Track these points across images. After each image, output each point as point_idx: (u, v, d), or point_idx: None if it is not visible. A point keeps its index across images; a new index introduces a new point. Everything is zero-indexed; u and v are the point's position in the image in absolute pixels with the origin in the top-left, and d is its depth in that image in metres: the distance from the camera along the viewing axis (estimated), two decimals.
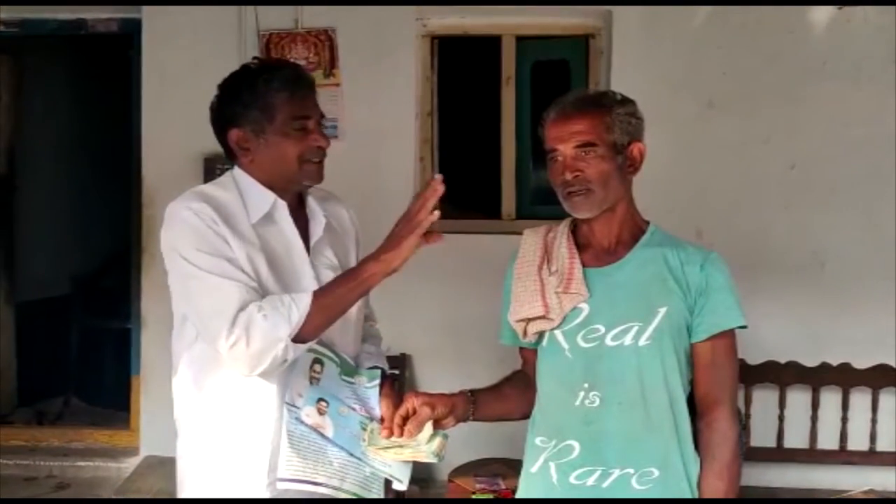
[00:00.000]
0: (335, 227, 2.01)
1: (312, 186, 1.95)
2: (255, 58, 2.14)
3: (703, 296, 1.83)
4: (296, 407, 1.81)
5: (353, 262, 2.03)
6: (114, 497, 3.91)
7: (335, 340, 1.90)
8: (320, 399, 1.83)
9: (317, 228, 1.94)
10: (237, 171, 1.92)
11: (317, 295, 1.75)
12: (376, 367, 1.99)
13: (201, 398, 1.87)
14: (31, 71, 5.28)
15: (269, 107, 1.85)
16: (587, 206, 1.84)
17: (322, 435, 1.82)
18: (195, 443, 1.91)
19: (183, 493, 1.94)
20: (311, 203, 1.97)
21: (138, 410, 4.32)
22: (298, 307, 1.72)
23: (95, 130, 6.03)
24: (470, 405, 1.90)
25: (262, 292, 1.78)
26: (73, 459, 4.37)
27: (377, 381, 1.94)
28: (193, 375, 1.88)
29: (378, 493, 1.89)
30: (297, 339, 1.73)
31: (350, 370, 1.93)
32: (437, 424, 1.84)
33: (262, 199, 1.88)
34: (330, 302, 1.76)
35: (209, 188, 1.92)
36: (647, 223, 1.94)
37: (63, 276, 5.74)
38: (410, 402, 1.83)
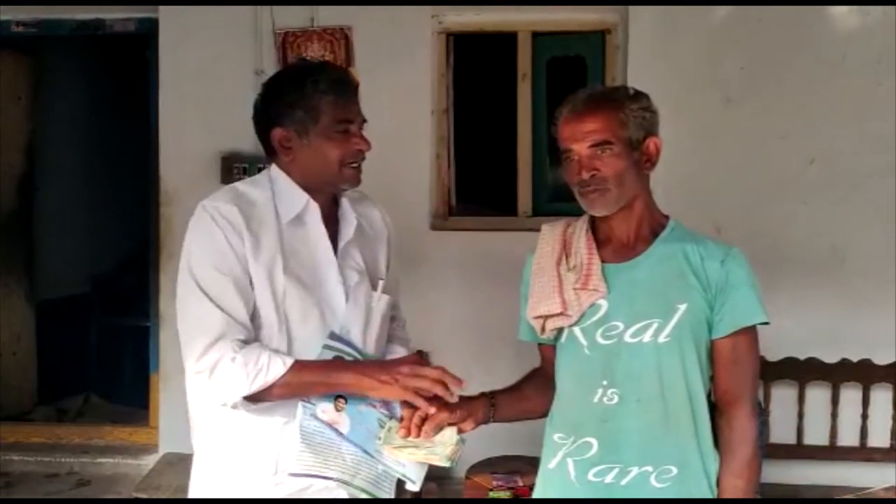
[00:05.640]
0: (366, 229, 2.01)
1: (351, 188, 1.95)
2: (300, 57, 2.14)
3: (724, 292, 1.81)
4: (311, 403, 1.81)
5: (382, 265, 2.03)
6: (134, 494, 3.93)
7: (357, 339, 1.91)
8: (339, 396, 1.84)
9: (347, 231, 1.95)
10: (274, 169, 1.93)
11: (293, 367, 1.75)
12: None
13: None
14: (50, 71, 5.31)
15: (314, 109, 1.86)
16: (604, 204, 1.83)
17: (337, 431, 1.82)
18: (206, 439, 1.92)
19: (193, 489, 1.95)
20: (344, 205, 1.97)
21: (157, 408, 4.35)
22: (269, 372, 1.73)
23: (113, 130, 6.07)
24: (490, 408, 1.90)
25: (250, 331, 1.78)
26: (93, 456, 4.41)
27: None
28: None
29: (389, 491, 1.89)
30: (253, 397, 1.75)
31: None
32: (456, 427, 1.83)
33: (295, 199, 1.89)
34: (300, 381, 1.76)
35: (243, 186, 1.94)
36: (667, 218, 1.92)
37: (82, 275, 5.79)
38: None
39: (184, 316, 1.82)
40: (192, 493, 1.95)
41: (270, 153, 1.94)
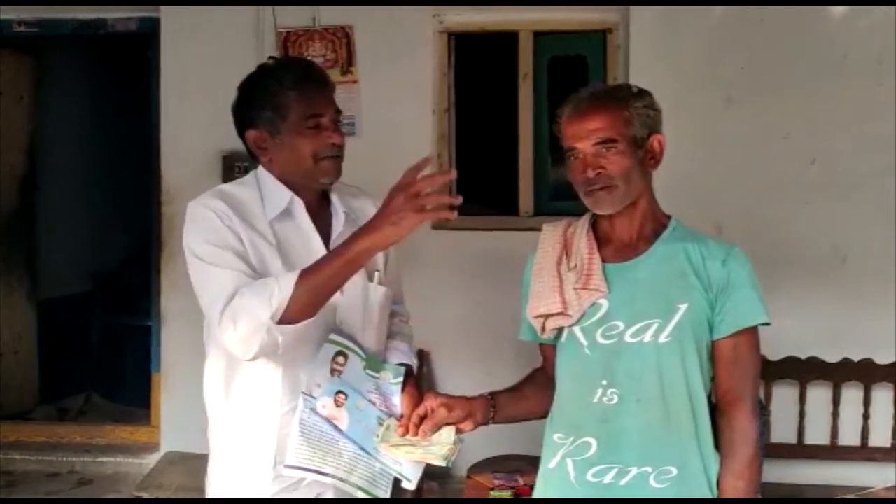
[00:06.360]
0: (359, 223, 2.02)
1: (333, 182, 1.96)
2: (270, 57, 2.15)
3: (725, 292, 1.80)
4: (312, 397, 1.82)
5: (380, 259, 2.03)
6: (135, 493, 3.94)
7: (356, 335, 1.91)
8: (339, 391, 1.84)
9: (337, 224, 1.95)
10: (260, 170, 1.95)
11: (304, 274, 1.71)
12: (403, 364, 1.99)
13: (225, 389, 1.91)
14: (51, 70, 5.32)
15: (281, 106, 1.87)
16: (610, 202, 1.82)
17: (336, 427, 1.83)
18: (218, 433, 1.94)
19: (209, 483, 1.97)
20: (334, 199, 1.98)
21: (159, 407, 4.35)
22: (281, 289, 1.69)
23: (115, 129, 6.07)
24: (490, 409, 1.90)
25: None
26: (94, 455, 4.42)
27: (401, 378, 1.94)
28: (222, 367, 1.91)
29: (385, 490, 1.89)
30: (285, 320, 1.70)
31: (376, 365, 1.93)
32: (456, 427, 1.84)
33: (281, 196, 1.91)
34: (317, 282, 1.71)
35: (230, 186, 1.96)
36: (669, 217, 1.91)
37: (84, 274, 5.80)
38: (429, 402, 1.83)
39: (200, 292, 1.80)
40: (209, 492, 1.97)
41: (252, 156, 1.96)
